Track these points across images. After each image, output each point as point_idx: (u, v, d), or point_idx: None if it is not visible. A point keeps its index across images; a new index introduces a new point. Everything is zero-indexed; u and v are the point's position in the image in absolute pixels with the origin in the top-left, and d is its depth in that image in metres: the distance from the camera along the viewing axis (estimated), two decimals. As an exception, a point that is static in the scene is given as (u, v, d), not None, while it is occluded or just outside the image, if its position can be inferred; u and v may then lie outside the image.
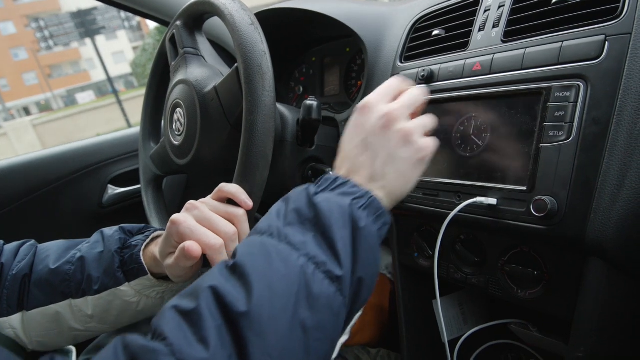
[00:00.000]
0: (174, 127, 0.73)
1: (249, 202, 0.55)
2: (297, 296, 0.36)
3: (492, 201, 0.56)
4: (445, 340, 0.71)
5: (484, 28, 0.61)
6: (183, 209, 0.54)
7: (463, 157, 0.61)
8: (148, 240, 0.61)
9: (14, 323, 0.60)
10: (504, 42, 0.58)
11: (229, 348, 0.33)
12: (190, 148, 0.69)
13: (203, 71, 0.70)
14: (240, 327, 0.33)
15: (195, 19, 0.74)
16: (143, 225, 0.66)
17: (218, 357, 0.32)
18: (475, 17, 0.63)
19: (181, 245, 0.50)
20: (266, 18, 0.93)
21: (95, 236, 0.63)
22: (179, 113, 0.71)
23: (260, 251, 0.39)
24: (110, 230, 0.64)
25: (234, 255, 0.40)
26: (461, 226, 0.64)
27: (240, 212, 0.54)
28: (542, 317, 0.63)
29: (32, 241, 0.65)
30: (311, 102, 0.70)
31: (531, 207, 0.51)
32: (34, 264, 0.61)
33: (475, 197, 0.58)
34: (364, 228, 0.42)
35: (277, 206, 0.45)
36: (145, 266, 0.58)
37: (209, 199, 0.56)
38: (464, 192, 0.60)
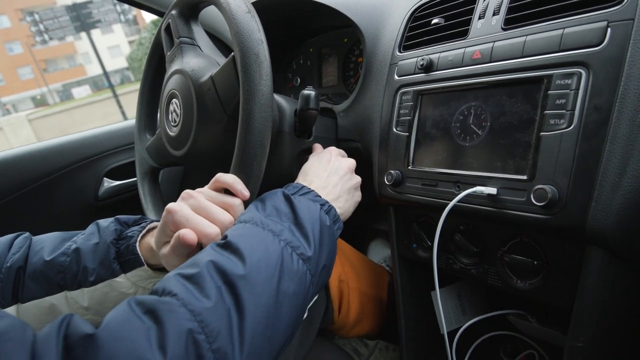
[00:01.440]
0: (170, 118, 0.72)
1: (246, 192, 0.55)
2: (280, 269, 0.46)
3: (492, 190, 0.55)
4: (444, 331, 0.70)
5: (484, 16, 0.61)
6: (179, 198, 0.54)
7: (462, 147, 0.61)
8: (144, 232, 0.61)
9: (11, 309, 0.59)
10: (504, 29, 0.57)
11: (229, 302, 0.40)
12: (186, 139, 0.68)
13: (199, 61, 0.69)
14: (238, 287, 0.41)
15: (190, 8, 0.73)
16: (139, 216, 0.65)
17: (219, 308, 0.39)
18: (475, 5, 0.62)
19: (176, 234, 0.49)
20: (264, 8, 0.92)
21: (91, 227, 0.62)
22: (175, 104, 0.70)
23: (248, 233, 0.48)
24: (105, 222, 0.63)
25: (223, 238, 0.47)
26: (460, 216, 0.64)
27: (237, 202, 0.55)
28: (541, 308, 0.63)
29: (27, 233, 0.64)
30: (309, 91, 0.69)
31: (531, 196, 0.50)
32: (29, 256, 0.60)
33: (475, 186, 0.57)
34: (328, 227, 0.55)
35: (254, 204, 0.54)
36: (142, 257, 0.58)
37: (205, 188, 0.56)
38: (464, 181, 0.60)
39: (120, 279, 0.59)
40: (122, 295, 0.60)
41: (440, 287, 0.64)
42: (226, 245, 0.46)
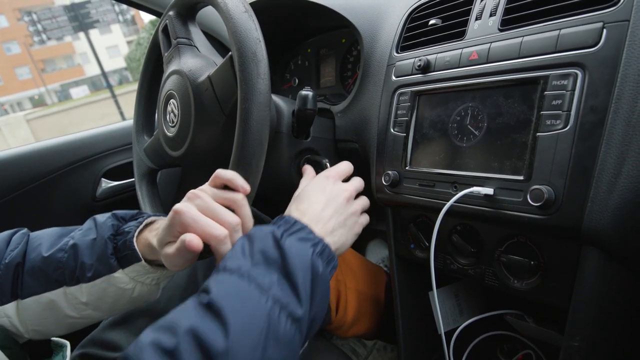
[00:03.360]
0: (167, 119, 0.72)
1: (247, 187, 0.54)
2: (266, 335, 0.41)
3: (489, 191, 0.55)
4: (442, 331, 0.71)
5: (480, 17, 0.61)
6: (185, 198, 0.53)
7: (460, 147, 0.61)
8: (141, 227, 0.60)
9: (8, 312, 0.59)
10: (500, 30, 0.58)
11: None
12: (184, 139, 0.68)
13: (196, 61, 0.69)
14: None
15: (188, 9, 0.73)
16: (136, 211, 0.65)
17: None
18: (472, 6, 0.63)
19: (182, 238, 0.49)
20: (262, 8, 0.92)
21: (88, 223, 0.62)
22: (173, 104, 0.70)
23: (233, 291, 0.44)
24: (102, 217, 0.62)
25: (207, 291, 0.44)
26: (458, 217, 0.64)
27: (239, 197, 0.54)
28: (538, 307, 0.63)
29: (24, 229, 0.64)
30: (306, 92, 0.70)
31: (528, 196, 0.51)
32: (27, 252, 0.60)
33: (472, 187, 0.57)
34: (321, 274, 0.49)
35: (242, 243, 0.50)
36: (139, 253, 0.57)
37: (207, 186, 0.55)
38: (461, 182, 0.60)
39: (118, 274, 0.58)
40: (121, 291, 0.60)
41: (437, 288, 0.64)
42: (209, 305, 0.42)
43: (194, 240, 0.48)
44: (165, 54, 0.76)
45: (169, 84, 0.71)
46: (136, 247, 0.58)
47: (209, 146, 0.68)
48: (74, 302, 0.60)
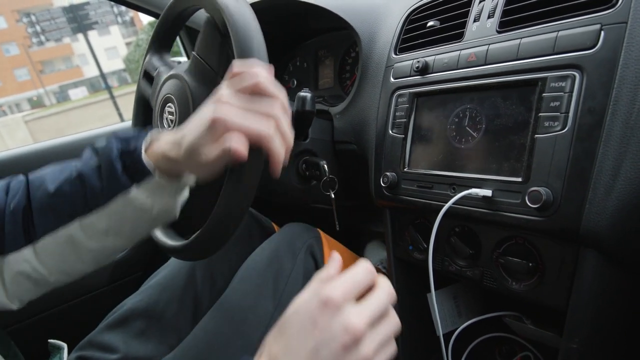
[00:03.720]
0: (164, 123, 0.72)
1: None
2: None
3: (487, 192, 0.55)
4: (440, 333, 0.70)
5: (479, 18, 0.61)
6: (213, 101, 0.48)
7: (458, 149, 0.61)
8: (149, 141, 0.56)
9: (27, 256, 0.57)
10: (499, 32, 0.58)
11: None
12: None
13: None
14: None
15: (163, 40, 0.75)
16: (137, 131, 0.60)
17: None
18: (470, 8, 0.63)
19: (227, 145, 0.45)
20: (260, 9, 0.92)
21: (87, 151, 0.58)
22: (170, 107, 0.70)
23: None
24: (102, 141, 0.58)
25: None
26: (456, 218, 0.64)
27: (276, 106, 0.48)
28: (536, 309, 0.63)
29: (20, 176, 0.60)
30: (305, 93, 0.70)
31: (526, 198, 0.51)
32: (30, 194, 0.57)
33: (470, 188, 0.57)
34: None
35: None
36: (152, 165, 0.54)
37: (230, 91, 0.48)
38: (459, 184, 0.60)
39: (134, 192, 0.54)
40: (140, 212, 0.56)
41: (436, 289, 0.64)
42: None
43: (240, 147, 0.45)
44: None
45: (166, 88, 0.71)
46: (147, 160, 0.54)
47: None
48: (92, 232, 0.57)
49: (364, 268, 0.43)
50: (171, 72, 0.69)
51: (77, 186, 0.56)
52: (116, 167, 0.54)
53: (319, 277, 0.42)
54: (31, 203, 0.57)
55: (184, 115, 0.67)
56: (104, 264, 0.64)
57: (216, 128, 0.47)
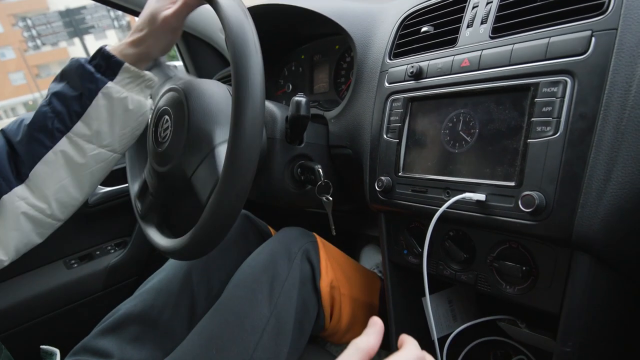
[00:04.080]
0: (158, 135, 0.71)
1: None
2: None
3: (481, 197, 0.56)
4: (435, 337, 0.70)
5: (472, 24, 0.62)
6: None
7: (452, 154, 0.61)
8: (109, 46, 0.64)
9: (22, 193, 0.59)
10: (492, 38, 0.58)
11: None
12: (173, 155, 0.66)
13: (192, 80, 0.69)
14: None
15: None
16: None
17: None
18: (464, 14, 0.63)
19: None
20: (256, 15, 0.92)
21: (54, 80, 0.64)
22: (165, 120, 0.69)
23: None
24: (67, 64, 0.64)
25: None
26: (450, 222, 0.64)
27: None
28: (531, 313, 0.64)
29: None
30: (300, 98, 0.70)
31: (519, 202, 0.51)
32: (9, 136, 0.60)
33: (464, 193, 0.58)
34: None
35: None
36: (121, 59, 0.62)
37: None
38: (453, 188, 0.60)
39: (110, 84, 0.61)
40: (118, 105, 0.63)
41: (431, 293, 0.64)
42: None
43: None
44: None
45: (163, 101, 0.70)
46: (114, 54, 0.61)
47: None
48: (82, 142, 0.61)
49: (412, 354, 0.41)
50: (171, 86, 0.69)
51: (55, 104, 0.60)
52: (88, 69, 0.61)
53: (358, 346, 0.39)
54: (13, 144, 0.59)
55: (178, 130, 0.66)
56: (99, 182, 0.68)
57: None
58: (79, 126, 0.61)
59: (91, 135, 0.62)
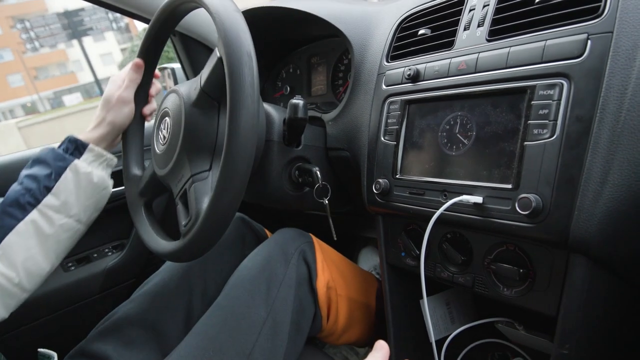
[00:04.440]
0: (159, 136, 0.71)
1: None
2: None
3: (478, 199, 0.56)
4: (433, 339, 0.70)
5: (469, 27, 0.62)
6: None
7: (449, 156, 0.61)
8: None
9: None
10: (488, 41, 0.58)
11: None
12: (170, 158, 0.67)
13: (191, 84, 0.69)
14: None
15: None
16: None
17: None
18: (461, 17, 0.64)
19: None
20: (254, 17, 0.92)
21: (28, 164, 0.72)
22: (166, 122, 0.70)
23: None
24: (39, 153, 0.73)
25: None
26: (447, 225, 0.64)
27: None
28: (529, 315, 0.64)
29: None
30: (297, 100, 0.70)
31: (516, 204, 0.51)
32: None
33: (462, 195, 0.58)
34: None
35: None
36: (86, 141, 0.73)
37: None
38: (450, 190, 0.60)
39: (77, 162, 0.71)
40: (84, 180, 0.72)
41: (428, 295, 0.64)
42: None
43: None
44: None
45: (166, 102, 0.71)
46: (80, 138, 0.72)
47: (203, 128, 0.66)
48: (51, 213, 0.68)
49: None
50: (174, 87, 0.69)
51: (28, 181, 0.67)
52: (58, 152, 0.71)
53: None
54: None
55: (175, 134, 0.66)
56: (64, 254, 0.74)
57: None
58: (48, 198, 0.68)
59: (59, 205, 0.69)
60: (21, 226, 0.65)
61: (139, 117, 0.83)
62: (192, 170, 0.64)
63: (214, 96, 0.65)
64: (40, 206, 0.67)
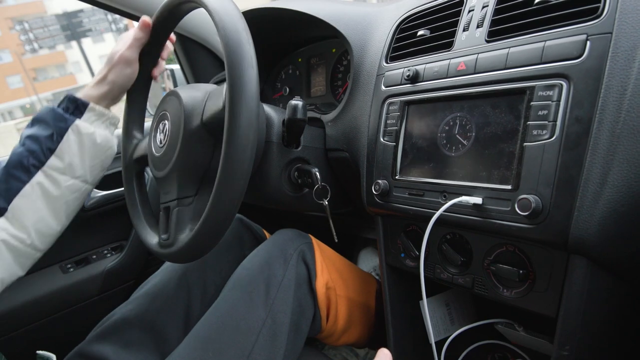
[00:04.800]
0: (157, 138, 0.71)
1: None
2: None
3: (478, 200, 0.56)
4: (432, 341, 0.70)
5: (468, 28, 0.62)
6: None
7: (448, 157, 0.61)
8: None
9: (1, 224, 0.62)
10: (487, 42, 0.58)
11: None
12: (168, 161, 0.67)
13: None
14: None
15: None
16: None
17: None
18: (460, 18, 0.64)
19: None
20: (252, 18, 0.92)
21: (27, 125, 0.70)
22: (164, 124, 0.70)
23: None
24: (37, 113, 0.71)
25: None
26: (447, 226, 0.64)
27: None
28: (528, 316, 0.64)
29: None
30: (296, 101, 0.70)
31: (516, 205, 0.51)
32: None
33: (461, 196, 0.58)
34: None
35: None
36: (86, 100, 0.70)
37: None
38: (450, 191, 0.60)
39: (78, 122, 0.69)
40: (87, 141, 0.70)
41: (428, 297, 0.64)
42: None
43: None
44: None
45: (166, 105, 0.71)
46: (79, 97, 0.70)
47: (196, 158, 0.67)
48: (56, 174, 0.67)
49: None
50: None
51: (29, 143, 0.66)
52: (58, 112, 0.68)
53: None
54: None
55: (174, 137, 0.67)
56: (74, 213, 0.74)
57: None
58: (52, 160, 0.67)
59: (64, 167, 0.68)
60: (27, 189, 0.65)
61: (146, 78, 0.81)
62: (179, 192, 0.66)
63: (212, 132, 0.65)
64: (44, 168, 0.66)
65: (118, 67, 0.73)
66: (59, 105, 0.70)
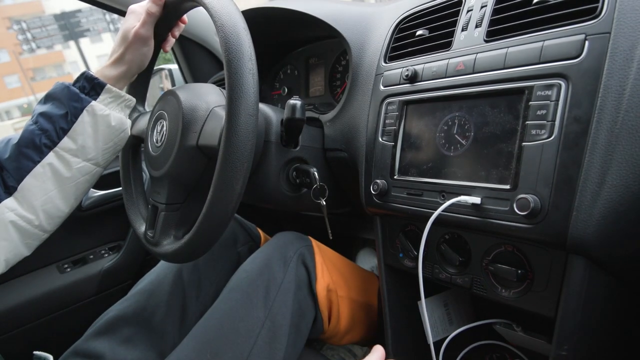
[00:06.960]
0: (154, 138, 0.71)
1: None
2: None
3: (476, 200, 0.56)
4: (431, 341, 0.70)
5: (466, 28, 0.62)
6: None
7: (447, 157, 0.61)
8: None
9: (10, 205, 0.62)
10: (486, 41, 0.58)
11: None
12: (165, 161, 0.67)
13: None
14: None
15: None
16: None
17: None
18: (458, 17, 0.64)
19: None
20: (251, 18, 0.92)
21: (40, 101, 0.68)
22: (161, 124, 0.69)
23: None
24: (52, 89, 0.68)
25: None
26: (446, 226, 0.64)
27: None
28: (527, 316, 0.63)
29: None
30: (295, 101, 0.70)
31: (514, 205, 0.51)
32: None
33: (460, 196, 0.58)
34: None
35: None
36: (103, 80, 0.68)
37: None
38: (448, 191, 0.60)
39: (94, 103, 0.67)
40: (102, 122, 0.68)
41: (427, 297, 0.64)
42: None
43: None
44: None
45: (161, 104, 0.71)
46: (96, 76, 0.68)
47: (188, 172, 0.68)
48: (68, 156, 0.65)
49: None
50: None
51: (42, 122, 0.64)
52: (75, 91, 0.66)
53: None
54: (1, 161, 0.63)
55: (172, 137, 0.66)
56: (83, 195, 0.72)
57: None
58: (65, 141, 0.65)
59: (77, 149, 0.66)
60: (38, 169, 0.63)
61: (155, 53, 0.79)
62: (168, 198, 0.66)
63: (206, 154, 0.65)
64: (56, 148, 0.65)
65: (134, 45, 0.70)
66: (74, 84, 0.68)
